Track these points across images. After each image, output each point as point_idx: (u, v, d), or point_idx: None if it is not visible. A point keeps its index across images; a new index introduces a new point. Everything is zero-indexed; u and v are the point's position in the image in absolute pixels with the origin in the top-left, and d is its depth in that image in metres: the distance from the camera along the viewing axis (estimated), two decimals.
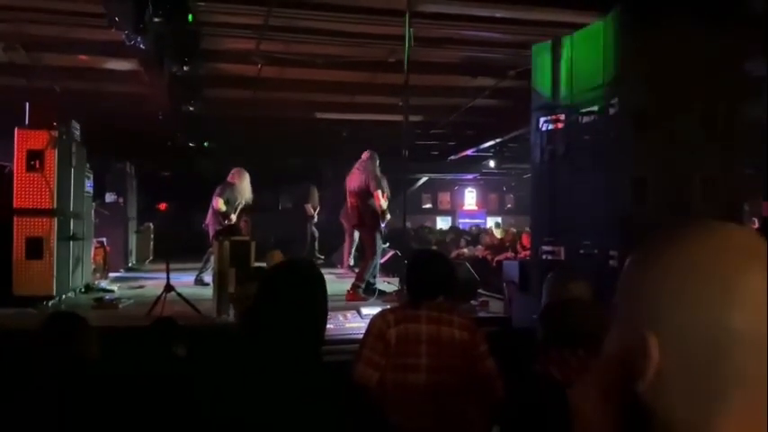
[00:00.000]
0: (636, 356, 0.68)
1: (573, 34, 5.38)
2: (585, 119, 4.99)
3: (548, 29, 6.80)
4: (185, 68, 7.56)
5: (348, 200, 7.65)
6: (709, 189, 4.58)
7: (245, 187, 8.52)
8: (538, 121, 5.47)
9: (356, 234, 10.02)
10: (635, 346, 0.68)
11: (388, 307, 3.01)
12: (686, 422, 0.67)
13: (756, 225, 8.54)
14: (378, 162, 7.50)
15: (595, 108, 4.89)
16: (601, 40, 4.95)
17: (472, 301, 6.61)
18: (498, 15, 6.90)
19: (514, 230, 11.50)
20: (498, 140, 13.05)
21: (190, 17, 6.17)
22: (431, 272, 2.82)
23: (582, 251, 4.91)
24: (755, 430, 0.66)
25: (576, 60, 5.21)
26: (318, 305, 1.85)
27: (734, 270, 0.65)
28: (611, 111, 4.72)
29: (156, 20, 5.73)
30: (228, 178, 8.53)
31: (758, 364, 0.65)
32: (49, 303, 6.15)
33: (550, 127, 5.35)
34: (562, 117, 5.24)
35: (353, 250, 10.33)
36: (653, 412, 0.69)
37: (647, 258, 0.72)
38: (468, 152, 14.66)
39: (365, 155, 7.57)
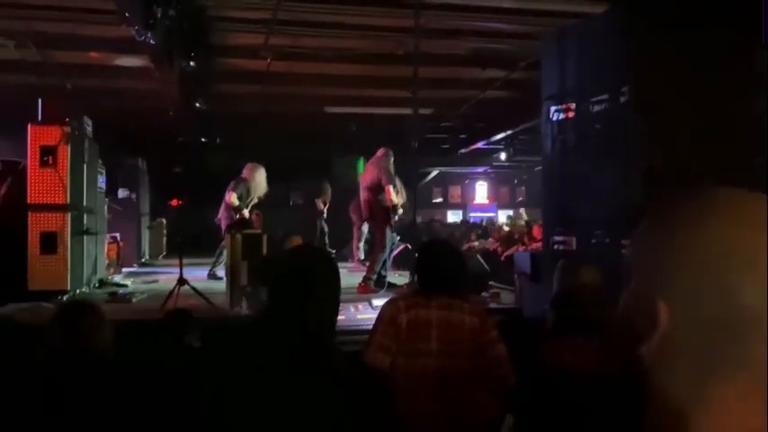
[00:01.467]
0: (644, 319, 0.67)
1: (581, 23, 5.35)
2: (596, 107, 4.96)
3: (557, 19, 6.77)
4: (193, 63, 7.60)
5: (361, 194, 7.73)
6: (722, 178, 4.54)
7: (258, 182, 8.55)
8: (548, 111, 5.45)
9: (365, 228, 10.09)
10: (645, 309, 0.67)
11: (399, 294, 3.02)
12: (683, 392, 0.66)
13: None
14: (392, 159, 7.56)
15: (606, 97, 4.86)
16: (610, 28, 4.92)
17: (483, 293, 6.61)
18: (506, 6, 6.88)
19: (523, 222, 11.47)
20: (509, 133, 13.00)
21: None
22: (440, 261, 2.82)
23: (594, 241, 4.89)
24: (752, 411, 0.64)
25: (586, 49, 5.18)
26: (333, 291, 1.87)
27: (758, 249, 0.63)
28: (622, 99, 4.69)
29: (171, 13, 5.75)
30: (243, 173, 8.58)
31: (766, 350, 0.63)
32: (64, 298, 6.21)
33: (561, 116, 5.33)
34: (573, 106, 5.22)
35: (362, 243, 10.37)
36: (651, 376, 0.68)
37: (669, 224, 0.69)
38: (479, 145, 14.61)
39: (380, 151, 7.65)
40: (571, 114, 5.23)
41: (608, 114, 4.86)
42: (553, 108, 5.39)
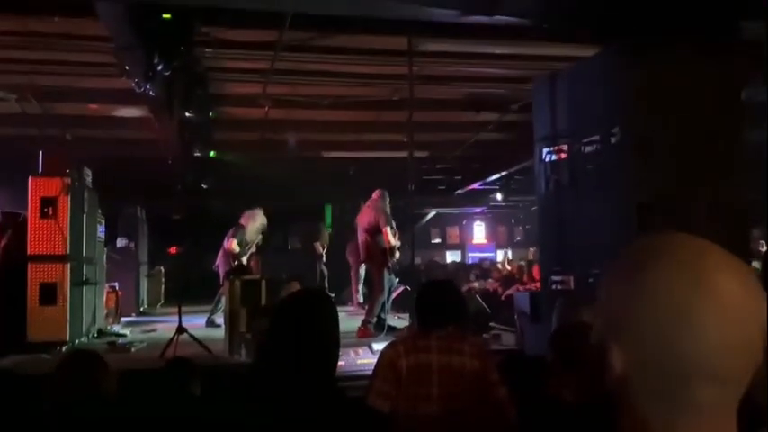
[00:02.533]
0: (604, 360, 0.73)
1: (572, 67, 5.49)
2: (588, 148, 5.06)
3: (547, 63, 6.93)
4: (193, 114, 7.73)
5: (358, 236, 7.75)
6: (714, 213, 4.60)
7: (257, 228, 8.64)
8: (541, 153, 5.54)
9: (362, 270, 10.10)
10: (603, 352, 0.73)
11: (398, 338, 3.03)
12: (647, 421, 0.72)
13: (765, 248, 8.53)
14: (388, 201, 7.62)
15: (597, 138, 4.96)
16: (600, 71, 5.05)
17: (484, 335, 6.60)
18: (498, 52, 7.04)
19: (523, 262, 11.49)
20: (504, 173, 13.14)
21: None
22: (440, 300, 2.85)
23: (591, 280, 4.91)
24: None
25: (576, 92, 5.30)
26: (333, 334, 1.88)
27: (689, 304, 0.68)
28: (613, 140, 4.79)
29: (170, 65, 5.89)
30: (241, 220, 8.66)
31: (711, 392, 0.69)
32: (63, 349, 6.18)
33: (554, 158, 5.42)
34: (565, 148, 5.31)
35: (361, 286, 10.35)
36: (620, 406, 0.74)
37: (618, 274, 0.75)
38: (475, 185, 14.74)
39: (376, 193, 7.70)
40: (564, 155, 5.32)
41: (600, 155, 4.95)
42: (545, 149, 5.49)
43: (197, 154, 9.82)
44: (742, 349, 0.68)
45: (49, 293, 6.34)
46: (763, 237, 9.92)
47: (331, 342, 1.86)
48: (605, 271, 0.78)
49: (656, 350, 0.69)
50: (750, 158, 5.03)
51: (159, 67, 5.72)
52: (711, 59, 4.68)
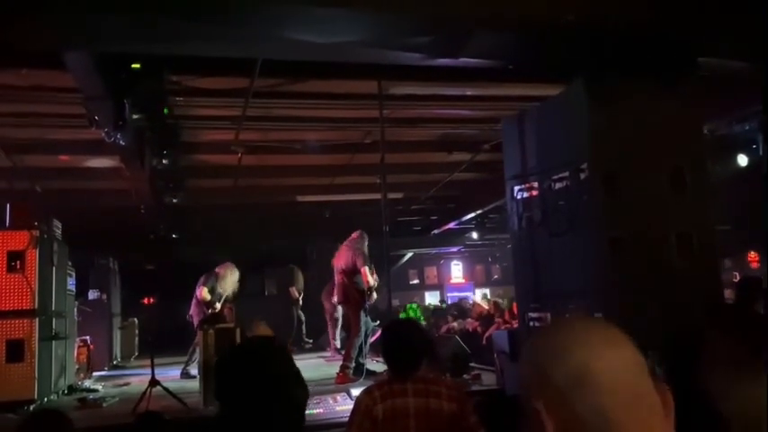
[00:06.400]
0: (537, 423, 0.84)
1: (540, 105, 5.59)
2: (558, 185, 5.11)
3: (515, 103, 7.06)
4: (165, 162, 7.69)
5: (335, 277, 7.68)
6: (685, 245, 4.66)
7: (231, 281, 8.53)
8: (512, 190, 5.58)
9: (338, 314, 9.97)
10: (533, 415, 0.85)
11: (374, 383, 2.97)
12: None
13: (737, 279, 8.63)
14: (367, 242, 7.57)
15: (566, 174, 5.02)
16: (566, 109, 5.14)
17: (464, 375, 6.53)
18: (468, 93, 7.17)
19: (500, 300, 11.48)
20: (479, 212, 13.23)
21: (165, 110, 6.35)
22: (405, 344, 2.81)
23: (567, 315, 4.90)
24: None
25: (545, 129, 5.38)
26: (273, 377, 1.80)
27: (588, 356, 0.85)
28: (582, 176, 4.84)
29: (135, 116, 5.88)
30: (216, 269, 8.54)
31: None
32: (31, 407, 5.96)
33: (525, 195, 5.46)
34: (536, 185, 5.36)
35: (338, 331, 10.20)
36: None
37: (530, 348, 0.93)
38: (451, 225, 14.80)
39: (355, 234, 7.66)
40: (535, 192, 5.36)
41: (570, 190, 5.00)
42: (517, 187, 5.53)
43: (174, 200, 9.72)
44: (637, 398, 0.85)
45: (16, 350, 6.14)
46: (737, 267, 10.07)
47: (282, 386, 1.80)
48: (524, 350, 0.94)
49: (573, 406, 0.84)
50: (716, 190, 5.13)
51: (128, 116, 5.70)
52: (674, 96, 4.80)
